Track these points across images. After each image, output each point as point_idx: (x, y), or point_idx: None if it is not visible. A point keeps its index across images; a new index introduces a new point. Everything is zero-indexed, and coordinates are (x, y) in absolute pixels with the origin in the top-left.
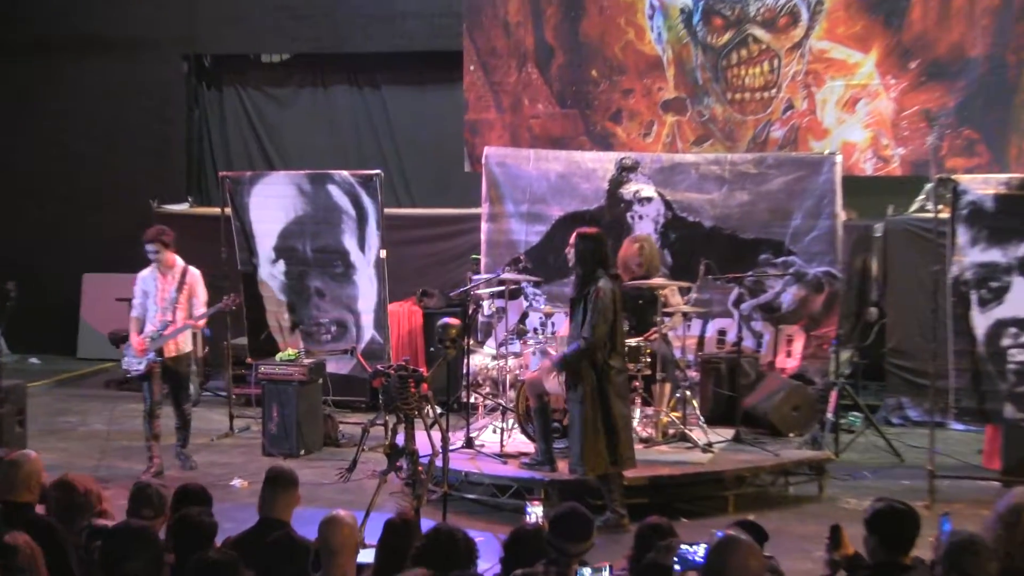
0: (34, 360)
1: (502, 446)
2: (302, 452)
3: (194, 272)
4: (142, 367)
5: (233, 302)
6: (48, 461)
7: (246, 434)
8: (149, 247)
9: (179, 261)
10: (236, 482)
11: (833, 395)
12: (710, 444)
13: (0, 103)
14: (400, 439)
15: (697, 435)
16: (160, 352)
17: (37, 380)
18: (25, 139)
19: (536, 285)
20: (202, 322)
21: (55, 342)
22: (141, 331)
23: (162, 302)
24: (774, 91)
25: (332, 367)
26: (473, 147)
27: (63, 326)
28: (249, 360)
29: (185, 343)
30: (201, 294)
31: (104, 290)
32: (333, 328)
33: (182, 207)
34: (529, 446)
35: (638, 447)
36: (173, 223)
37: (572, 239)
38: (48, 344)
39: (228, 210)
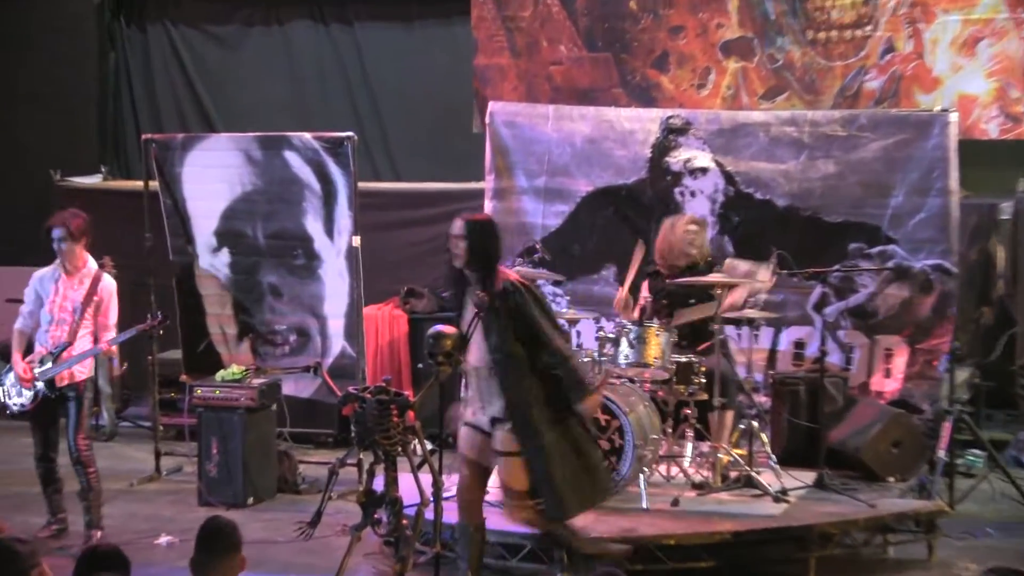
0: None
1: None
2: (250, 501)
3: (109, 283)
4: (27, 402)
5: (159, 323)
6: None
7: (177, 476)
8: (55, 233)
9: (92, 263)
10: (164, 539)
11: (946, 427)
12: (784, 491)
13: None
14: (378, 484)
15: (768, 479)
16: (51, 383)
17: None
18: None
19: (557, 283)
20: (114, 347)
21: None
22: (27, 351)
23: (60, 311)
24: (869, 29)
25: (290, 389)
26: (484, 101)
27: None
28: (184, 378)
29: (83, 368)
30: (112, 314)
31: None
32: (292, 337)
33: (93, 180)
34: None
35: (690, 494)
36: (82, 201)
37: (458, 228)
38: None
39: (154, 184)
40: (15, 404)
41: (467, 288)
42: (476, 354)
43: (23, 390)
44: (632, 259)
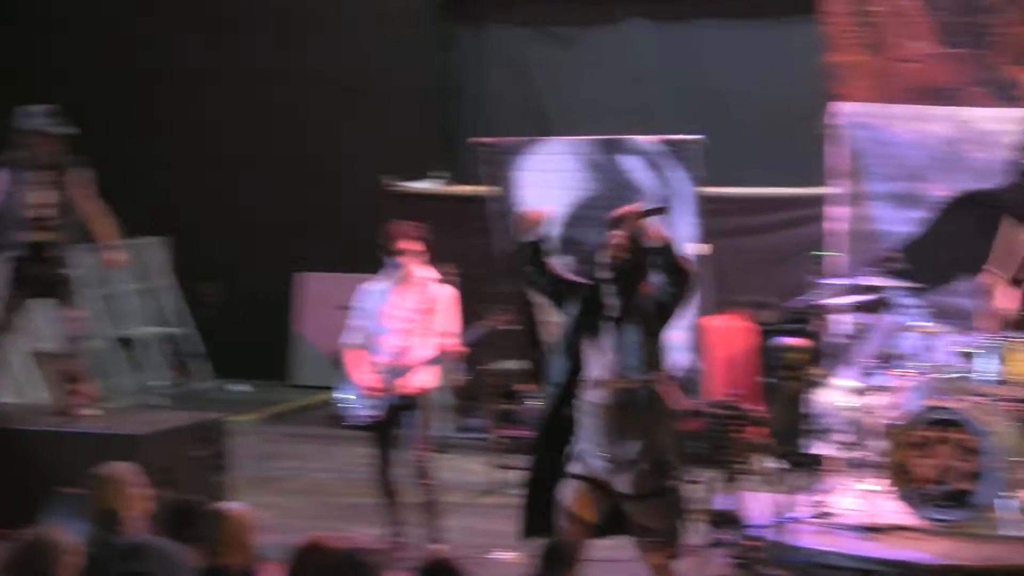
0: (238, 387)
1: (868, 515)
2: None
3: (445, 291)
4: (375, 413)
5: (504, 321)
6: (255, 521)
7: (515, 491)
8: (393, 243)
9: (426, 272)
10: (500, 555)
11: None
12: None
13: (173, 45)
14: (724, 503)
15: None
16: (398, 394)
17: (241, 414)
18: (215, 97)
19: (913, 292)
20: (458, 348)
21: (263, 364)
22: (363, 363)
23: (396, 322)
24: None
25: None
26: (836, 100)
27: (273, 343)
28: (520, 388)
29: (430, 378)
30: (451, 322)
31: (323, 295)
32: None
33: (425, 185)
34: (907, 516)
35: None
36: (413, 207)
37: (620, 235)
38: (255, 366)
39: (488, 189)
40: (361, 415)
41: (599, 302)
42: (611, 362)
43: (370, 401)
44: (1005, 241)
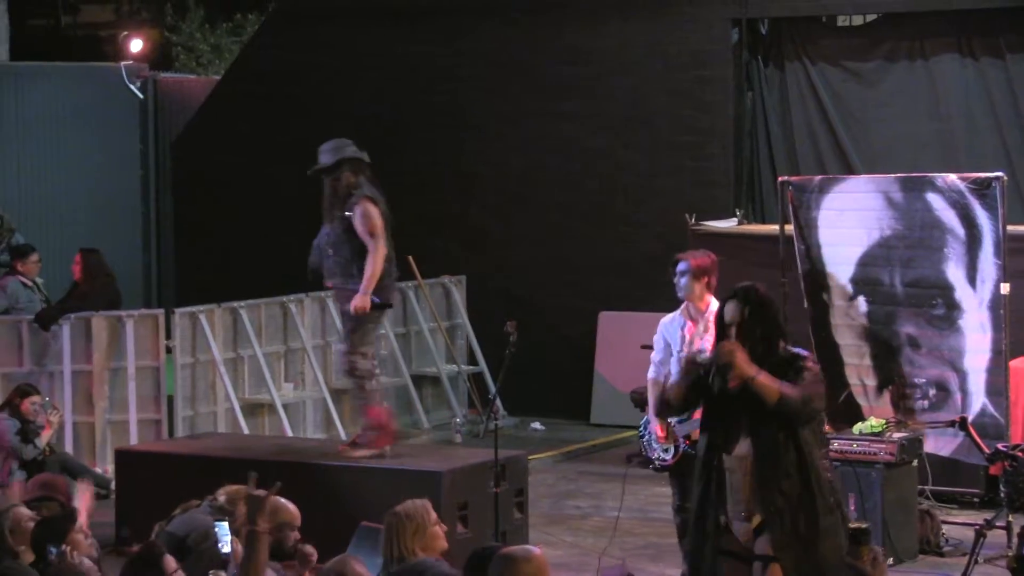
0: (536, 425)
1: None
2: (890, 561)
3: None
4: (669, 457)
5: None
6: (551, 558)
7: None
8: (679, 266)
9: (714, 306)
10: None
11: None
12: None
13: (480, 89)
14: None
15: None
16: (691, 438)
17: (540, 451)
18: (519, 139)
19: None
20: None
21: (563, 402)
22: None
23: None
24: None
25: (931, 445)
26: None
27: (573, 381)
28: (827, 428)
29: None
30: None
31: (624, 334)
32: (931, 391)
33: (728, 224)
34: None
35: None
36: (715, 245)
37: (736, 307)
38: (554, 404)
39: (790, 228)
40: (657, 458)
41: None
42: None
43: (665, 446)
44: None
